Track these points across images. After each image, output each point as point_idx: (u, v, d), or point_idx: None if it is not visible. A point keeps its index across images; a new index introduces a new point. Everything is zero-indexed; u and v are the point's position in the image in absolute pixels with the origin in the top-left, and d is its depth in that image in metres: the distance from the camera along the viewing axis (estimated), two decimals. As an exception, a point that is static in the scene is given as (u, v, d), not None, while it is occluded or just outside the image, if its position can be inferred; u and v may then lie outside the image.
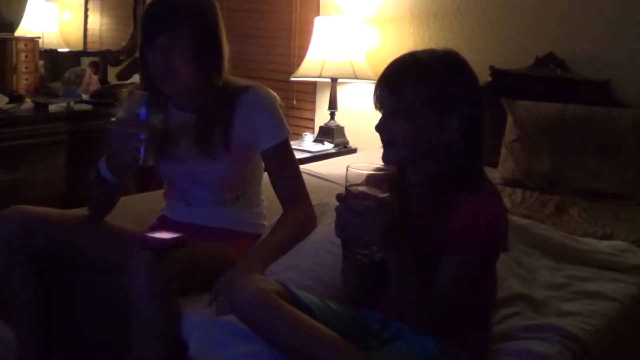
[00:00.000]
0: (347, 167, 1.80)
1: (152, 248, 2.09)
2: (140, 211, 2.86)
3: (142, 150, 2.26)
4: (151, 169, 2.43)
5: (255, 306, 1.84)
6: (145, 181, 4.03)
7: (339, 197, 1.79)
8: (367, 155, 4.31)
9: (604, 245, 2.84)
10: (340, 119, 4.78)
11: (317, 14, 4.95)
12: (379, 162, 3.98)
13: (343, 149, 4.70)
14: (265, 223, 2.59)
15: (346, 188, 1.79)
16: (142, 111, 2.25)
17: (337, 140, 4.71)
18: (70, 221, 2.47)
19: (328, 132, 4.70)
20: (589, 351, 2.13)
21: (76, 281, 2.42)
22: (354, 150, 4.75)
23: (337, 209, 1.79)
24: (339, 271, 2.20)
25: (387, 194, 1.77)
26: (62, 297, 2.44)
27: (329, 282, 2.19)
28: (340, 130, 4.76)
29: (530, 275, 2.52)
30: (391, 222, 1.75)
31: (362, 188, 1.78)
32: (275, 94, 2.53)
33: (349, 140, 4.81)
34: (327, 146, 4.63)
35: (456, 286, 1.84)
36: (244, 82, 2.49)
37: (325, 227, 2.43)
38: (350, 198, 1.77)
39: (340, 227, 1.79)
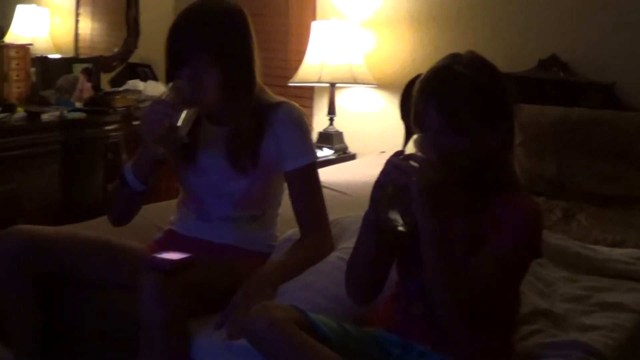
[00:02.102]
0: (413, 137, 1.82)
1: (162, 269, 2.02)
2: (141, 224, 2.77)
3: (179, 119, 2.17)
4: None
5: (270, 335, 1.78)
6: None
7: (395, 153, 1.78)
8: (368, 161, 4.25)
9: (618, 253, 2.80)
10: (338, 124, 4.72)
11: (314, 17, 4.89)
12: (381, 169, 3.95)
13: (342, 155, 4.64)
14: (275, 244, 2.54)
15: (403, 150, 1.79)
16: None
17: (337, 146, 4.65)
18: (72, 240, 2.39)
19: (327, 138, 4.63)
20: (613, 367, 2.08)
21: (80, 301, 2.36)
22: (353, 156, 4.69)
23: (389, 159, 1.77)
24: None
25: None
26: (65, 317, 2.37)
27: (346, 301, 2.12)
28: (339, 135, 4.71)
29: (548, 288, 2.46)
30: (436, 184, 1.72)
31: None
32: (305, 114, 2.50)
33: (348, 146, 4.74)
34: (327, 152, 4.57)
35: (489, 281, 1.79)
36: (276, 98, 2.46)
37: (341, 246, 2.40)
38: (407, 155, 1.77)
39: (385, 174, 1.76)
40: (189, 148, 2.38)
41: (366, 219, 1.89)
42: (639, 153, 3.59)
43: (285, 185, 2.49)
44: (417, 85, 1.95)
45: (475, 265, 1.80)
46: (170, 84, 2.24)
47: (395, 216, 1.75)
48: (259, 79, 2.41)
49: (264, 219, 2.50)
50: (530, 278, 2.41)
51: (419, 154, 1.75)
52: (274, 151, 2.38)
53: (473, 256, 1.82)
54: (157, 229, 2.69)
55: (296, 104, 2.48)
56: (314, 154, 2.47)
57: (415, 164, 1.72)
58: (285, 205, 2.53)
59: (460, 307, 1.78)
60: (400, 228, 1.75)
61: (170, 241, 2.44)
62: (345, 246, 2.37)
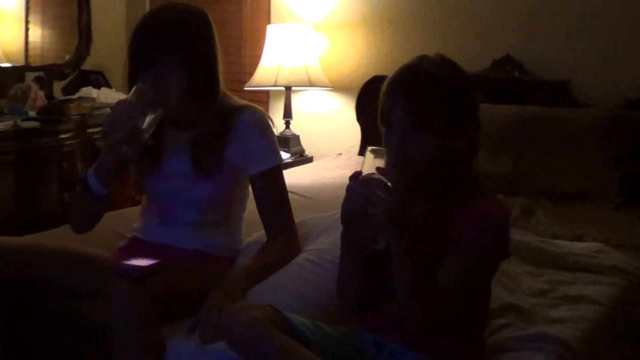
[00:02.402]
0: (367, 150, 1.76)
1: (131, 276, 2.00)
2: (102, 232, 2.74)
3: (143, 121, 2.14)
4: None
5: (249, 336, 1.77)
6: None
7: (353, 176, 1.75)
8: (325, 164, 4.27)
9: (579, 247, 2.84)
10: (294, 127, 4.73)
11: (268, 21, 4.90)
12: (339, 170, 3.96)
13: (299, 158, 4.65)
14: (240, 247, 2.53)
15: (361, 172, 1.75)
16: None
17: (294, 149, 4.65)
18: (34, 248, 2.35)
19: (284, 142, 4.61)
20: (581, 357, 2.12)
21: (47, 311, 2.32)
22: (310, 159, 4.70)
23: (348, 186, 1.74)
24: (324, 291, 2.17)
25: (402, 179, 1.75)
26: (31, 328, 2.33)
27: (315, 302, 2.15)
28: (296, 139, 4.71)
29: (514, 283, 2.49)
30: (402, 205, 1.71)
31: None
32: (270, 117, 2.48)
33: (304, 149, 4.75)
34: (284, 155, 4.52)
35: (458, 286, 1.81)
36: (239, 102, 2.44)
37: (308, 247, 2.40)
38: (366, 177, 1.73)
39: (349, 202, 1.74)
40: (153, 153, 2.37)
41: (343, 236, 1.89)
42: (593, 149, 3.66)
43: (250, 189, 2.48)
44: (384, 84, 1.95)
45: (444, 273, 1.81)
46: (134, 87, 2.22)
47: (369, 236, 1.75)
48: (222, 82, 2.40)
49: (229, 223, 2.48)
50: (496, 274, 2.44)
51: (377, 175, 1.72)
52: (239, 155, 2.37)
53: (441, 261, 1.82)
54: (120, 237, 2.68)
55: (260, 108, 2.47)
56: (279, 157, 2.46)
57: (381, 194, 1.70)
58: (250, 209, 2.53)
59: (432, 317, 1.81)
60: (377, 247, 1.76)
61: (135, 248, 2.42)
62: (314, 247, 2.38)
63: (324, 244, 2.36)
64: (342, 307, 2.05)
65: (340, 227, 1.84)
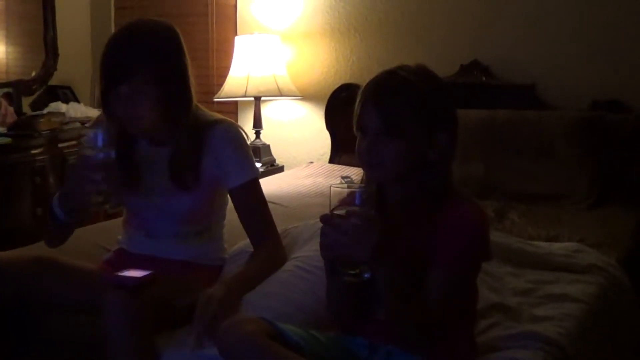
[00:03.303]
0: (330, 186, 1.76)
1: (126, 287, 2.01)
2: (85, 246, 2.75)
3: (102, 193, 2.12)
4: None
5: (245, 350, 1.79)
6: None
7: (323, 218, 1.75)
8: (297, 172, 4.29)
9: (557, 247, 2.89)
10: (264, 136, 4.75)
11: (235, 32, 4.91)
12: (312, 179, 3.99)
13: (270, 167, 4.67)
14: (226, 256, 2.55)
15: (330, 209, 1.75)
16: (98, 152, 2.11)
17: (265, 159, 4.67)
18: (22, 262, 2.33)
19: (255, 152, 4.60)
20: (567, 354, 2.15)
21: (37, 324, 2.31)
22: (281, 169, 4.72)
23: (322, 230, 1.75)
24: (314, 297, 2.19)
25: (373, 211, 1.74)
26: (23, 342, 2.32)
27: (306, 308, 2.17)
28: (267, 148, 4.73)
29: (498, 283, 2.53)
30: (380, 239, 1.72)
31: (344, 208, 1.74)
32: (244, 130, 2.49)
33: (275, 158, 4.77)
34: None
35: (445, 300, 1.82)
36: (212, 116, 2.45)
37: (296, 254, 2.43)
38: (336, 217, 1.74)
39: (327, 248, 1.75)
40: (130, 170, 2.37)
41: (326, 268, 1.90)
42: (563, 150, 3.71)
43: (229, 198, 2.50)
44: (360, 89, 1.98)
45: (429, 290, 1.81)
46: (90, 132, 2.17)
47: (353, 271, 1.75)
48: (194, 96, 2.40)
49: (211, 233, 2.50)
50: (480, 274, 2.47)
51: (348, 211, 1.73)
52: (215, 170, 2.38)
53: (425, 273, 1.83)
54: (103, 250, 2.68)
55: (233, 122, 2.49)
56: (255, 169, 2.47)
57: (357, 235, 1.71)
58: (229, 217, 2.55)
59: (424, 330, 1.83)
60: (362, 279, 1.76)
61: (122, 260, 2.43)
62: (301, 255, 2.41)
63: (310, 250, 2.38)
64: (333, 319, 2.06)
65: None
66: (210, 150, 2.38)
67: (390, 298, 1.81)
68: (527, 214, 3.44)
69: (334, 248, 1.74)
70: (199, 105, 2.45)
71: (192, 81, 2.39)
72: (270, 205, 3.46)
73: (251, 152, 2.48)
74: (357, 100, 1.94)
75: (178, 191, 2.38)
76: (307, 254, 2.39)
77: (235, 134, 2.43)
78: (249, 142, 2.50)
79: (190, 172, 2.36)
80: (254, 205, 2.46)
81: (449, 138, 1.91)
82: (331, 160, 4.55)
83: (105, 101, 2.32)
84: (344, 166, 4.24)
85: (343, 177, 1.86)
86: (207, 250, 2.50)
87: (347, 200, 1.75)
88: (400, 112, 1.85)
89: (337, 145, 4.55)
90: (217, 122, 2.42)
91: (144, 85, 2.25)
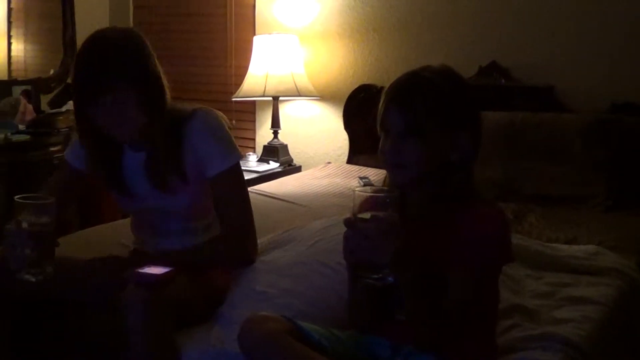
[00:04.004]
0: (353, 190, 1.75)
1: (147, 284, 2.01)
2: (103, 244, 2.77)
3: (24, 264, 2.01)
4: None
5: (266, 348, 1.79)
6: (88, 212, 3.93)
7: (346, 222, 1.74)
8: (315, 172, 4.30)
9: (576, 250, 2.89)
10: (282, 136, 4.76)
11: (253, 32, 4.92)
12: (329, 179, 3.99)
13: (288, 167, 4.67)
14: None
15: (353, 213, 1.74)
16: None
17: (282, 158, 4.68)
18: None
19: (272, 151, 4.66)
20: (586, 356, 2.15)
21: (56, 323, 2.32)
22: (298, 169, 4.72)
23: (346, 234, 1.75)
24: (334, 294, 2.19)
25: (396, 216, 1.74)
26: (41, 341, 2.33)
27: (323, 305, 2.18)
28: (285, 148, 4.73)
29: (517, 285, 2.54)
30: (402, 244, 1.72)
31: (368, 213, 1.74)
32: (223, 116, 2.45)
33: (293, 158, 4.78)
34: (273, 165, 4.59)
35: (466, 302, 1.82)
36: (188, 108, 2.40)
37: (311, 247, 2.44)
38: (360, 222, 1.73)
39: (350, 252, 1.75)
40: (116, 179, 2.38)
41: (349, 273, 1.91)
42: (581, 153, 3.69)
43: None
44: (384, 89, 1.98)
45: (451, 293, 1.81)
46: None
47: (375, 275, 1.74)
48: (169, 94, 2.36)
49: (218, 225, 2.45)
50: (501, 276, 2.48)
51: (372, 216, 1.72)
52: (194, 161, 2.34)
53: (446, 274, 1.82)
54: (123, 247, 2.68)
55: (212, 110, 2.44)
56: (234, 156, 2.39)
57: (380, 226, 1.71)
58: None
59: (442, 332, 1.83)
60: (385, 283, 1.75)
61: (138, 258, 2.41)
62: (322, 247, 2.42)
63: (331, 242, 2.38)
64: (353, 321, 2.06)
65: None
66: (188, 143, 2.34)
67: (411, 301, 1.81)
68: (546, 216, 3.42)
69: (357, 252, 1.73)
70: (174, 102, 2.40)
71: (165, 80, 2.35)
72: (289, 205, 3.53)
73: (229, 138, 2.40)
74: (381, 101, 1.93)
75: (163, 194, 2.36)
76: (327, 246, 2.41)
77: (210, 122, 2.38)
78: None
79: (173, 173, 2.33)
80: (228, 195, 2.38)
81: (472, 140, 1.90)
82: (349, 161, 4.55)
83: (80, 113, 2.29)
84: (361, 167, 4.24)
85: (361, 178, 1.86)
86: None
87: (371, 204, 1.74)
88: (424, 113, 1.85)
89: (354, 145, 4.54)
90: (193, 113, 2.37)
91: (126, 94, 2.23)
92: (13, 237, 2.00)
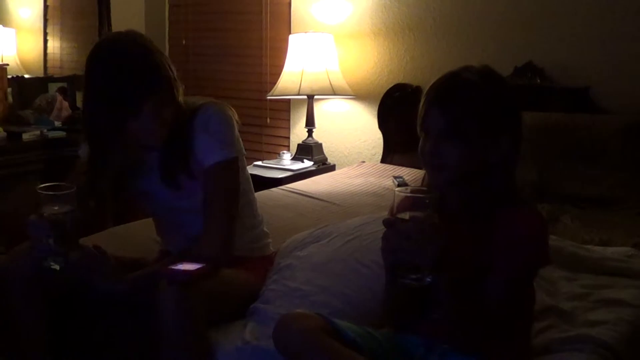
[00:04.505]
0: (394, 190, 1.75)
1: (180, 281, 2.02)
2: (136, 239, 2.80)
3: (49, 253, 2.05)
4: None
5: (302, 345, 1.80)
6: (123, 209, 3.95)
7: (386, 222, 1.73)
8: (349, 171, 4.30)
9: (610, 252, 2.87)
10: (316, 135, 4.76)
11: (288, 30, 4.93)
12: (363, 178, 3.99)
13: (322, 166, 4.68)
14: (269, 241, 2.55)
15: (393, 213, 1.74)
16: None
17: (316, 157, 4.68)
18: None
19: (307, 150, 4.67)
20: (621, 358, 2.14)
21: (94, 318, 2.34)
22: (332, 167, 4.73)
23: (385, 234, 1.73)
24: (370, 293, 2.20)
25: (436, 217, 1.73)
26: (76, 334, 2.35)
27: (360, 304, 2.19)
28: (319, 147, 4.74)
29: (552, 287, 2.53)
30: (443, 245, 1.71)
31: (407, 213, 1.73)
32: (231, 111, 2.40)
33: (327, 157, 4.79)
34: (307, 164, 4.60)
35: (505, 302, 1.82)
36: (195, 103, 2.38)
37: (347, 244, 2.44)
38: (400, 222, 1.72)
39: (390, 252, 1.73)
40: (127, 180, 2.40)
41: (387, 274, 1.90)
42: (616, 155, 3.66)
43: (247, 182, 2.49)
44: (425, 90, 1.97)
45: (489, 295, 1.81)
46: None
47: (414, 275, 1.73)
48: (179, 94, 2.33)
49: (240, 220, 2.40)
50: (536, 278, 2.47)
51: (412, 216, 1.71)
52: (195, 156, 2.33)
53: (485, 275, 1.82)
54: (155, 242, 2.69)
55: (218, 103, 2.40)
56: (223, 152, 2.32)
57: (422, 227, 1.69)
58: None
59: (482, 332, 1.84)
60: (424, 284, 1.74)
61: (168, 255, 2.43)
62: (358, 245, 2.41)
63: (367, 240, 2.38)
64: (389, 319, 2.06)
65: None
66: (192, 140, 2.33)
67: (450, 302, 1.80)
68: (580, 217, 3.40)
69: (397, 253, 1.72)
70: (185, 98, 2.38)
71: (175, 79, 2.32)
72: (322, 204, 3.54)
73: (228, 133, 2.36)
74: (422, 101, 1.92)
75: (175, 192, 2.36)
76: (364, 243, 2.40)
77: (210, 115, 2.35)
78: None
79: (181, 170, 2.33)
80: (210, 192, 2.32)
81: (512, 142, 1.89)
82: (383, 160, 4.55)
83: (114, 131, 2.25)
84: (395, 166, 4.24)
85: (395, 177, 1.85)
86: (245, 240, 2.45)
87: (409, 204, 1.74)
88: (464, 115, 1.84)
89: (389, 145, 4.54)
90: (198, 108, 2.35)
91: (148, 109, 2.21)
92: (36, 227, 2.03)
